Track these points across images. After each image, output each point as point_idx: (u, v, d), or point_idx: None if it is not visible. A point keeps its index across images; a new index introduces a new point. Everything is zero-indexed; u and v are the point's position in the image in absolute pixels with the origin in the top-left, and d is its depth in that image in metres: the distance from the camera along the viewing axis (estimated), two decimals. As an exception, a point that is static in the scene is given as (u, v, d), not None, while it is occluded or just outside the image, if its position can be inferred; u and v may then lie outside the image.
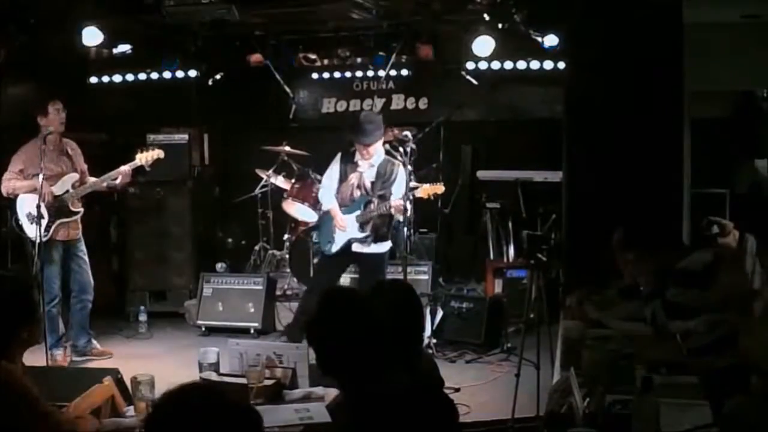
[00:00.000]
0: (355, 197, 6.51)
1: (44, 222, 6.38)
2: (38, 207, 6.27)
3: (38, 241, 6.15)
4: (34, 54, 7.83)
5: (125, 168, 6.66)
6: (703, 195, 7.89)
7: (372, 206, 6.41)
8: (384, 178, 6.47)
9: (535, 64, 8.70)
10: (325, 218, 6.73)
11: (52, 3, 7.03)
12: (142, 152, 6.77)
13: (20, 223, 6.43)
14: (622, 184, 6.02)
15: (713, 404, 2.98)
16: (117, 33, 7.88)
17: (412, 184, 6.50)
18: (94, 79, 9.34)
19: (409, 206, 6.33)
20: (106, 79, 9.37)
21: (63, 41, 7.84)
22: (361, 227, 6.47)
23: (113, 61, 8.87)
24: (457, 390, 5.66)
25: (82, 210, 6.72)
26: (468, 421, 5.01)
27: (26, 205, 6.40)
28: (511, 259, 8.28)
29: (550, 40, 7.78)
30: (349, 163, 6.57)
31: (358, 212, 6.47)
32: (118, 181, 6.73)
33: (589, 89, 6.25)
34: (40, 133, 6.42)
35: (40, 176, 6.23)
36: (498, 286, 7.98)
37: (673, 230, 6.05)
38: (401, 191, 6.39)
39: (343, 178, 6.57)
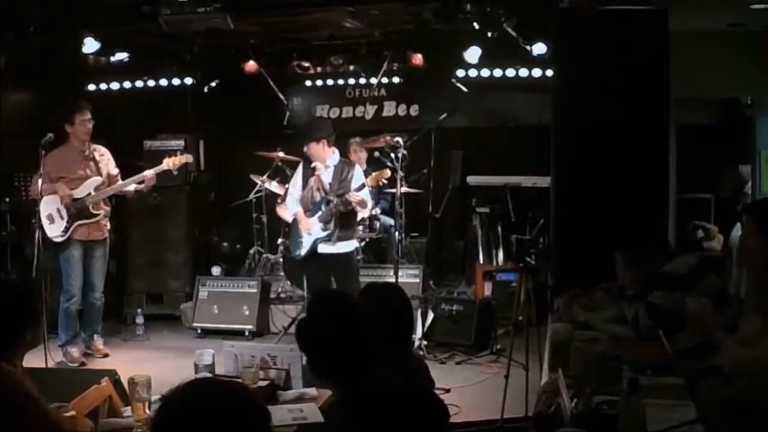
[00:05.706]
0: (316, 200, 6.64)
1: (63, 222, 6.65)
2: (38, 211, 6.52)
3: (39, 243, 6.28)
4: (32, 61, 7.91)
5: (150, 172, 6.89)
6: (688, 200, 7.99)
7: (332, 204, 6.54)
8: (341, 177, 6.61)
9: (523, 72, 8.82)
10: (294, 224, 6.86)
11: (51, 11, 7.09)
12: (170, 157, 7.01)
13: (42, 223, 6.61)
14: (609, 189, 6.06)
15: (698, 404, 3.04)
16: (114, 41, 7.98)
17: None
18: (91, 86, 9.41)
19: (368, 199, 6.60)
20: (103, 86, 9.46)
21: (61, 49, 7.93)
22: (324, 226, 6.58)
23: (111, 69, 8.92)
24: (448, 391, 5.73)
25: (102, 212, 6.88)
26: (458, 422, 5.09)
27: (47, 207, 6.65)
28: (500, 263, 8.35)
29: (539, 48, 7.86)
30: (307, 169, 6.72)
31: (319, 213, 6.61)
32: (143, 184, 6.94)
33: (577, 96, 6.31)
34: (69, 140, 6.76)
35: (40, 181, 6.38)
36: (488, 289, 8.07)
37: (659, 234, 6.12)
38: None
39: (305, 184, 6.71)
